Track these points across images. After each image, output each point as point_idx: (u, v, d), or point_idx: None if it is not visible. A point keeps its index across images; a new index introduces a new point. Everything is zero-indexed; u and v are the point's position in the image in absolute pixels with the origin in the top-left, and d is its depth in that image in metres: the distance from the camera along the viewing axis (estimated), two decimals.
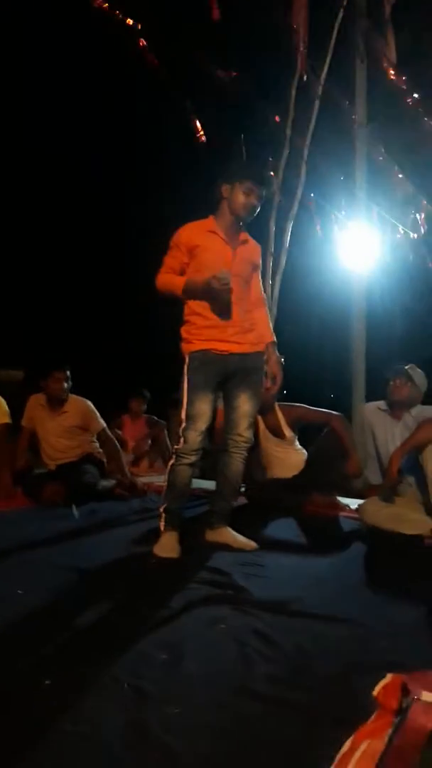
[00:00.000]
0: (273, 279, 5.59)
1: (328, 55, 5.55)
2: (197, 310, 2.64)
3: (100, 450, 4.12)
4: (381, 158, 5.60)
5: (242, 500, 3.70)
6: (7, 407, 4.00)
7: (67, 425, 4.00)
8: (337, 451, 3.50)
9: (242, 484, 3.70)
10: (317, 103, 5.61)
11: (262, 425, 3.73)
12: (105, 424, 4.11)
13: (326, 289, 7.72)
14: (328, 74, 5.70)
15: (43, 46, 7.28)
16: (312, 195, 6.39)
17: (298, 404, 3.86)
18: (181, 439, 2.59)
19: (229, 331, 2.64)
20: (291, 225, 5.66)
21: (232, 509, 2.78)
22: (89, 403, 4.10)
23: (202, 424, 2.58)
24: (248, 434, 2.74)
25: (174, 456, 2.63)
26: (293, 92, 5.85)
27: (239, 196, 2.63)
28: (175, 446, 2.64)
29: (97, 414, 4.10)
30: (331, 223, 6.48)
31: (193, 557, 2.45)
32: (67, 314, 11.81)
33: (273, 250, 5.67)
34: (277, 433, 3.73)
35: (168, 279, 2.69)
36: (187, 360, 2.66)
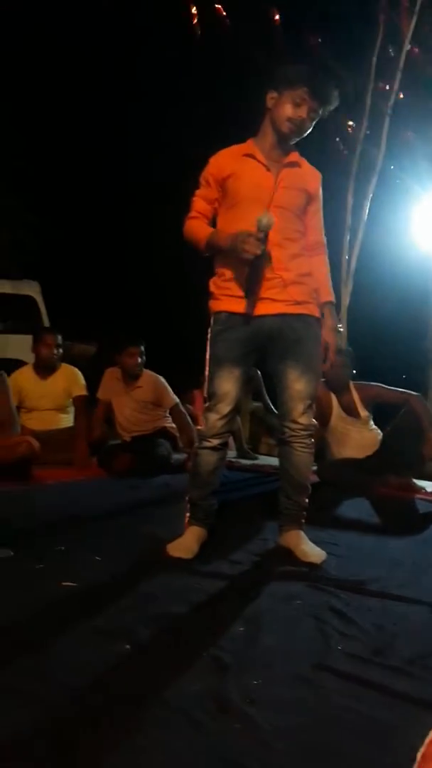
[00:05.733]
0: (350, 253, 5.47)
1: (413, 18, 5.33)
2: (227, 257, 2.10)
3: (174, 425, 4.16)
4: None
5: (314, 478, 3.65)
6: (83, 380, 4.10)
7: (140, 400, 4.05)
8: (414, 432, 3.40)
9: (314, 464, 3.65)
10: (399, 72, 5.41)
11: (336, 403, 3.67)
12: (177, 400, 4.14)
13: (404, 265, 7.48)
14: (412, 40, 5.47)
15: None
16: (392, 167, 6.18)
17: (374, 383, 3.77)
18: (204, 421, 2.15)
19: (263, 285, 2.08)
20: (370, 198, 5.50)
21: (303, 508, 2.24)
22: (162, 378, 4.14)
23: (224, 407, 2.09)
24: (306, 420, 2.14)
25: (197, 438, 2.20)
26: (374, 59, 5.66)
27: (286, 107, 2.03)
28: (198, 427, 2.23)
29: (170, 389, 4.13)
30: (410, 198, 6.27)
31: (268, 532, 2.44)
32: (141, 289, 11.90)
33: (350, 224, 5.53)
34: (352, 412, 3.67)
35: (193, 227, 2.14)
36: (211, 322, 2.17)
